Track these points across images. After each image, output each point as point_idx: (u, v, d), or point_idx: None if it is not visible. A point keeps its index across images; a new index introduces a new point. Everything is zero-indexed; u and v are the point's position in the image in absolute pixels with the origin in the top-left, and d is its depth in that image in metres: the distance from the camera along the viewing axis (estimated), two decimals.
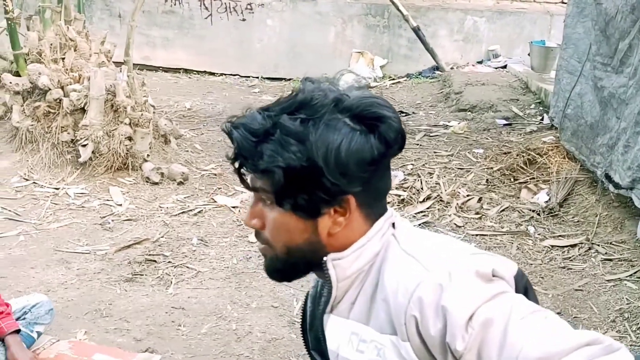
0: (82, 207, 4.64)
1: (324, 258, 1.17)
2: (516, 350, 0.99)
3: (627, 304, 3.47)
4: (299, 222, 1.16)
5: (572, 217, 4.49)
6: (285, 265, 1.21)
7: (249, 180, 1.16)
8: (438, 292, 1.06)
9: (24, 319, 2.82)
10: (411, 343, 1.08)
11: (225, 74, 9.52)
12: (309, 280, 3.94)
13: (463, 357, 1.03)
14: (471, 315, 1.02)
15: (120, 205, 4.70)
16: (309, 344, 1.38)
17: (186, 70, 9.54)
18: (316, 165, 1.10)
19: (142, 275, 3.77)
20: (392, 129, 1.13)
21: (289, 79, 9.43)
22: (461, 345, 1.02)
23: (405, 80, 9.04)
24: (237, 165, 1.15)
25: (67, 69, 5.11)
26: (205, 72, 9.55)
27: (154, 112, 5.41)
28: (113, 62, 5.61)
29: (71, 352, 2.98)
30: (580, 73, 5.23)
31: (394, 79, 9.08)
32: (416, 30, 8.82)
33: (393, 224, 1.20)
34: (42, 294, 3.06)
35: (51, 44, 5.13)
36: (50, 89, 4.98)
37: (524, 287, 1.15)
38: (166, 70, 9.48)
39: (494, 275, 1.09)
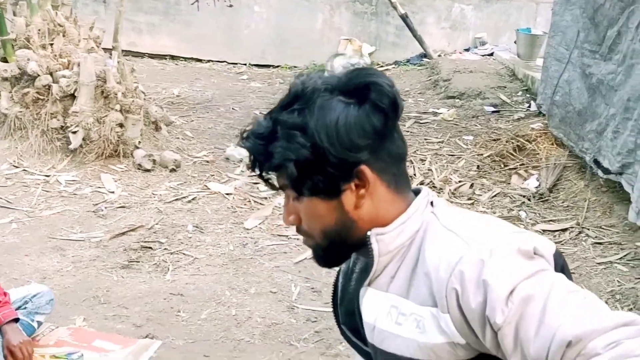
0: (74, 194, 4.62)
1: (368, 233, 1.20)
2: (554, 327, 1.01)
3: (619, 285, 3.54)
4: (324, 205, 1.20)
5: (562, 202, 4.55)
6: (327, 251, 1.25)
7: (275, 183, 1.22)
8: (479, 266, 1.08)
9: (24, 308, 2.81)
10: (451, 315, 1.11)
11: (212, 61, 9.48)
12: (306, 266, 3.92)
13: (501, 330, 1.05)
14: (512, 290, 1.05)
15: (113, 192, 4.68)
16: (339, 318, 1.41)
17: (173, 57, 9.48)
18: (322, 147, 1.14)
19: (139, 262, 3.77)
20: (383, 94, 1.16)
21: (277, 66, 9.42)
22: (500, 319, 1.05)
23: (394, 67, 9.06)
24: (257, 171, 1.21)
25: (55, 55, 5.07)
26: (192, 58, 9.49)
27: (144, 99, 5.38)
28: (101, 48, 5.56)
29: (71, 339, 2.99)
30: (568, 60, 5.29)
31: (382, 66, 9.09)
32: (404, 18, 8.84)
33: (431, 203, 1.23)
34: (42, 285, 3.07)
35: (39, 30, 5.08)
36: (39, 75, 4.93)
37: (561, 266, 1.18)
38: (152, 56, 9.41)
39: (535, 253, 1.11)
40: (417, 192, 1.27)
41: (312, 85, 1.18)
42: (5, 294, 2.75)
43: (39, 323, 2.87)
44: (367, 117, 1.16)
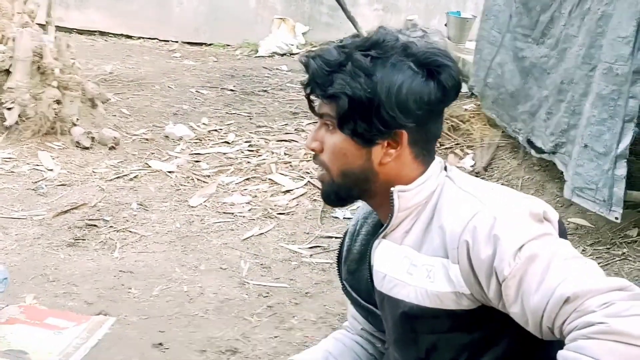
0: (12, 172, 4.49)
1: (392, 189, 1.31)
2: (554, 284, 1.13)
3: None
4: (355, 148, 1.31)
5: (497, 180, 4.77)
6: (340, 189, 1.36)
7: (316, 107, 1.33)
8: (492, 222, 1.19)
9: None
10: (460, 266, 1.22)
11: (143, 38, 9.27)
12: (254, 243, 3.97)
13: (506, 281, 1.17)
14: (520, 247, 1.17)
15: (52, 170, 4.58)
16: (341, 275, 1.53)
17: (102, 33, 9.21)
18: (378, 98, 1.26)
19: (84, 240, 3.73)
20: (451, 78, 1.29)
21: (210, 44, 9.32)
22: (507, 271, 1.16)
23: None
24: (308, 91, 1.32)
25: None
26: (122, 35, 9.26)
27: (81, 75, 5.26)
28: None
29: (23, 317, 2.92)
30: (500, 44, 5.49)
31: (315, 47, 9.15)
32: None
33: (445, 168, 1.34)
34: None
35: None
36: None
37: (563, 232, 1.30)
38: (80, 32, 9.11)
39: (544, 218, 1.23)
40: None
41: (392, 42, 1.28)
42: None
43: None
44: (429, 91, 1.27)
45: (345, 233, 1.54)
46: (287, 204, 4.35)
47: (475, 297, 1.24)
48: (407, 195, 1.31)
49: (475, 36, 6.42)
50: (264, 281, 3.46)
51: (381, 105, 1.26)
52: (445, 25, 8.58)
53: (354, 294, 1.50)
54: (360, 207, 1.54)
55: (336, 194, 1.38)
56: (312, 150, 1.37)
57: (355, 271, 1.48)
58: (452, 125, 5.65)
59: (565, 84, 4.07)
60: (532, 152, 4.51)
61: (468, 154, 5.23)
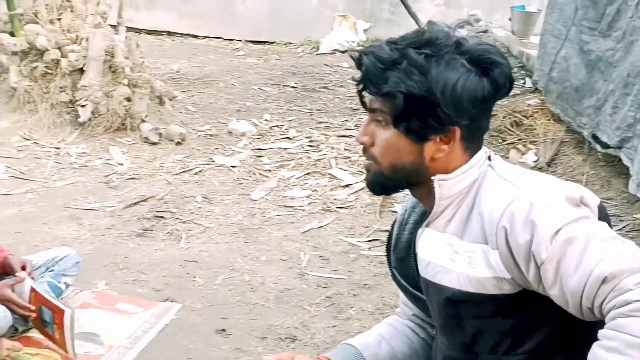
0: (85, 166, 4.72)
1: (432, 178, 1.34)
2: (592, 265, 1.16)
3: None
4: (408, 144, 1.34)
5: (561, 176, 4.70)
6: (388, 181, 1.40)
7: (367, 102, 1.36)
8: (529, 208, 1.23)
9: (51, 270, 2.92)
10: (499, 251, 1.25)
11: (208, 37, 9.51)
12: (313, 236, 4.03)
13: (544, 265, 1.20)
14: (557, 231, 1.19)
15: (122, 164, 4.79)
16: (390, 263, 1.58)
17: (169, 33, 9.50)
18: (434, 96, 1.28)
19: (153, 230, 3.89)
20: (504, 75, 1.31)
21: (272, 42, 9.47)
22: (544, 255, 1.19)
23: None
24: (360, 87, 1.34)
25: (64, 30, 5.13)
26: (188, 34, 9.52)
27: (150, 74, 5.46)
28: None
29: (96, 302, 3.12)
30: (565, 37, 5.40)
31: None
32: None
33: (489, 157, 1.37)
34: (70, 248, 3.17)
35: (47, 5, 5.14)
36: (48, 50, 5.00)
37: (605, 217, 1.32)
38: (149, 32, 9.41)
39: (581, 202, 1.25)
40: None
41: (444, 39, 1.30)
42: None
43: (67, 285, 2.98)
44: (482, 88, 1.29)
45: (394, 222, 1.59)
46: (346, 198, 4.41)
47: (516, 281, 1.27)
48: (448, 184, 1.34)
49: (540, 30, 6.33)
50: (323, 272, 3.53)
51: (437, 103, 1.28)
52: (510, 19, 8.46)
53: (402, 281, 1.55)
54: (408, 197, 1.57)
55: (383, 185, 1.42)
56: (363, 144, 1.39)
57: (404, 259, 1.52)
58: (514, 121, 5.59)
59: (631, 77, 3.99)
60: (597, 147, 4.43)
61: (531, 149, 5.17)
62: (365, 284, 3.41)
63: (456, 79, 1.27)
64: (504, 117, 5.68)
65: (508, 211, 1.24)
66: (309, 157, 5.09)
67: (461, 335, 1.40)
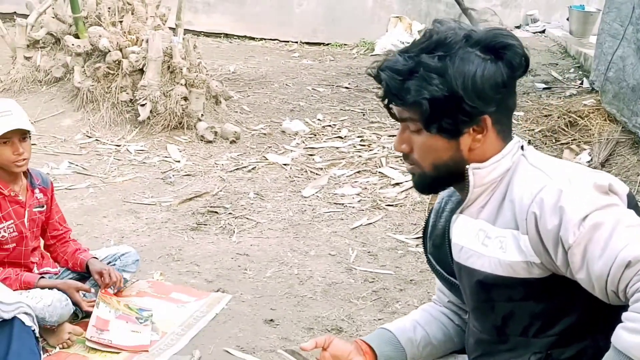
0: (144, 162, 4.91)
1: (466, 166, 1.40)
2: (617, 250, 1.20)
3: None
4: (444, 143, 1.39)
5: (615, 176, 4.63)
6: (433, 180, 1.45)
7: (396, 113, 1.40)
8: (558, 194, 1.27)
9: (113, 264, 3.08)
10: (529, 236, 1.30)
11: (265, 39, 9.69)
12: (362, 232, 4.08)
13: (571, 249, 1.24)
14: (584, 217, 1.23)
15: (179, 161, 4.96)
16: (427, 249, 1.63)
17: (227, 35, 9.72)
18: (456, 94, 1.32)
19: (206, 225, 4.03)
20: (517, 55, 1.35)
21: (327, 44, 9.58)
22: (572, 239, 1.23)
23: None
24: (386, 102, 1.39)
25: (125, 32, 5.35)
26: (245, 37, 9.72)
27: (206, 74, 5.63)
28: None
29: (151, 290, 3.26)
30: (622, 36, 5.31)
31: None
32: None
33: (522, 147, 1.42)
34: (130, 246, 3.33)
35: (109, 8, 5.36)
36: (110, 51, 5.22)
37: (634, 206, 1.35)
38: (207, 35, 9.66)
39: (610, 190, 1.29)
40: None
41: (453, 36, 1.34)
42: (86, 250, 3.06)
43: (125, 280, 3.15)
44: (500, 73, 1.33)
45: (431, 210, 1.64)
46: (396, 196, 4.46)
47: (545, 265, 1.31)
48: (482, 172, 1.39)
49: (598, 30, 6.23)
50: (370, 267, 3.59)
51: (461, 99, 1.32)
52: (568, 19, 8.33)
53: (437, 267, 1.60)
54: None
55: (429, 185, 1.47)
56: (402, 152, 1.44)
57: (440, 246, 1.58)
58: (569, 121, 5.52)
59: None
60: None
61: (585, 149, 5.09)
62: (411, 280, 3.45)
63: (474, 71, 1.31)
64: (558, 117, 5.62)
65: (538, 198, 1.28)
66: (360, 156, 5.16)
67: (493, 318, 1.44)
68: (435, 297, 1.76)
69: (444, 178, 1.44)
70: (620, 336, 1.18)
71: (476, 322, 1.51)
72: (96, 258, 3.02)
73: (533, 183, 1.32)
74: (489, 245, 1.37)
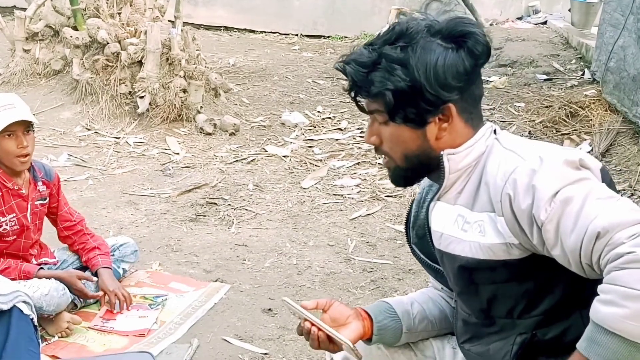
0: (143, 155, 4.91)
1: (441, 152, 1.40)
2: (587, 222, 1.20)
3: None
4: (410, 132, 1.40)
5: (615, 167, 4.62)
6: (406, 172, 1.46)
7: (364, 105, 1.42)
8: (530, 174, 1.27)
9: (112, 255, 3.09)
10: (505, 217, 1.30)
11: (265, 32, 9.68)
12: (361, 223, 4.07)
13: (544, 226, 1.24)
14: (555, 193, 1.24)
15: (178, 153, 4.96)
16: (410, 239, 1.64)
17: (227, 28, 9.72)
18: (419, 83, 1.33)
19: (205, 216, 4.02)
20: (479, 43, 1.35)
21: (328, 37, 9.56)
22: (544, 216, 1.24)
23: None
24: (353, 94, 1.40)
25: (123, 24, 5.34)
26: (245, 29, 9.71)
27: (205, 66, 5.62)
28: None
29: (150, 280, 3.26)
30: (623, 26, 5.29)
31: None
32: None
33: (495, 131, 1.42)
34: (128, 237, 3.33)
35: (107, 0, 5.35)
36: (108, 43, 5.21)
37: (609, 181, 1.35)
38: (207, 28, 9.65)
39: (581, 165, 1.28)
40: None
41: (415, 27, 1.35)
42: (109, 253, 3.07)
43: (124, 270, 3.16)
44: (462, 61, 1.34)
45: (413, 200, 1.65)
46: (395, 187, 4.45)
47: (524, 246, 1.31)
48: (456, 157, 1.39)
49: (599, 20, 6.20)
50: (369, 257, 3.59)
51: (423, 88, 1.32)
52: (569, 10, 8.30)
53: (422, 256, 1.60)
54: (426, 177, 1.62)
55: (404, 177, 1.48)
56: (372, 144, 1.46)
57: (423, 236, 1.58)
58: (570, 112, 5.50)
59: None
60: None
61: (585, 140, 5.08)
62: (410, 269, 3.45)
63: (435, 60, 1.32)
64: (559, 108, 5.60)
65: (511, 178, 1.29)
66: (359, 148, 5.15)
67: (478, 302, 1.45)
68: (431, 284, 1.76)
69: (416, 169, 1.45)
70: (595, 308, 1.18)
71: (463, 306, 1.51)
72: (110, 268, 3.00)
73: (506, 165, 1.32)
74: (468, 230, 1.37)
